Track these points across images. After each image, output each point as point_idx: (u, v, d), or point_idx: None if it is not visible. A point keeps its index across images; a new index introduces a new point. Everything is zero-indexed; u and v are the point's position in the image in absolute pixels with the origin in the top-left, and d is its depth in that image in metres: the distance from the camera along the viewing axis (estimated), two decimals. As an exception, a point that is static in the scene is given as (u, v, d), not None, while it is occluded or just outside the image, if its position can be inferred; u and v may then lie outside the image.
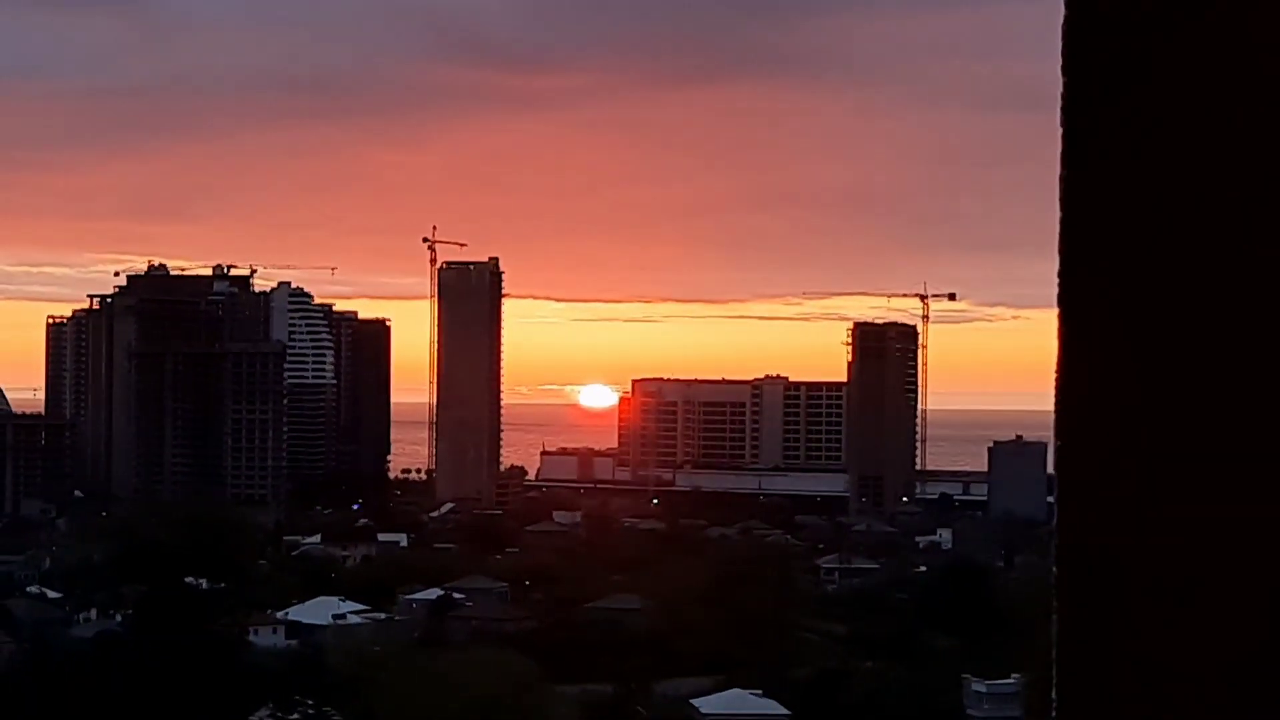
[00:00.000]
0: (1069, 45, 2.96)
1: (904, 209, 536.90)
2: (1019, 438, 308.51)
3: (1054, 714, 3.03)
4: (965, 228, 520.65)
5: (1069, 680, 2.90)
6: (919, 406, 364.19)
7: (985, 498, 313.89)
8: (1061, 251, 2.98)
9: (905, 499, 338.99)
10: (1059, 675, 3.00)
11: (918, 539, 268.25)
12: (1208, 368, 2.84)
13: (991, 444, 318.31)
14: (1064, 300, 2.96)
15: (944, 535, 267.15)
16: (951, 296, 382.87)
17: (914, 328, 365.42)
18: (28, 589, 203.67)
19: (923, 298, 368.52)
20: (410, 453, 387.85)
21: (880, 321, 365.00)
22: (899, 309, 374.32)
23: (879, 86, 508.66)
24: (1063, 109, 2.98)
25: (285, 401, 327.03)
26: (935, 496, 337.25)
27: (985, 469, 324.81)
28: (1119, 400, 2.85)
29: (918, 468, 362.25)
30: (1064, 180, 3.00)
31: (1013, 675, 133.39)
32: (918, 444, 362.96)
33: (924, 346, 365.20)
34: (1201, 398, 2.83)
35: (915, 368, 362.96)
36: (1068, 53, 2.97)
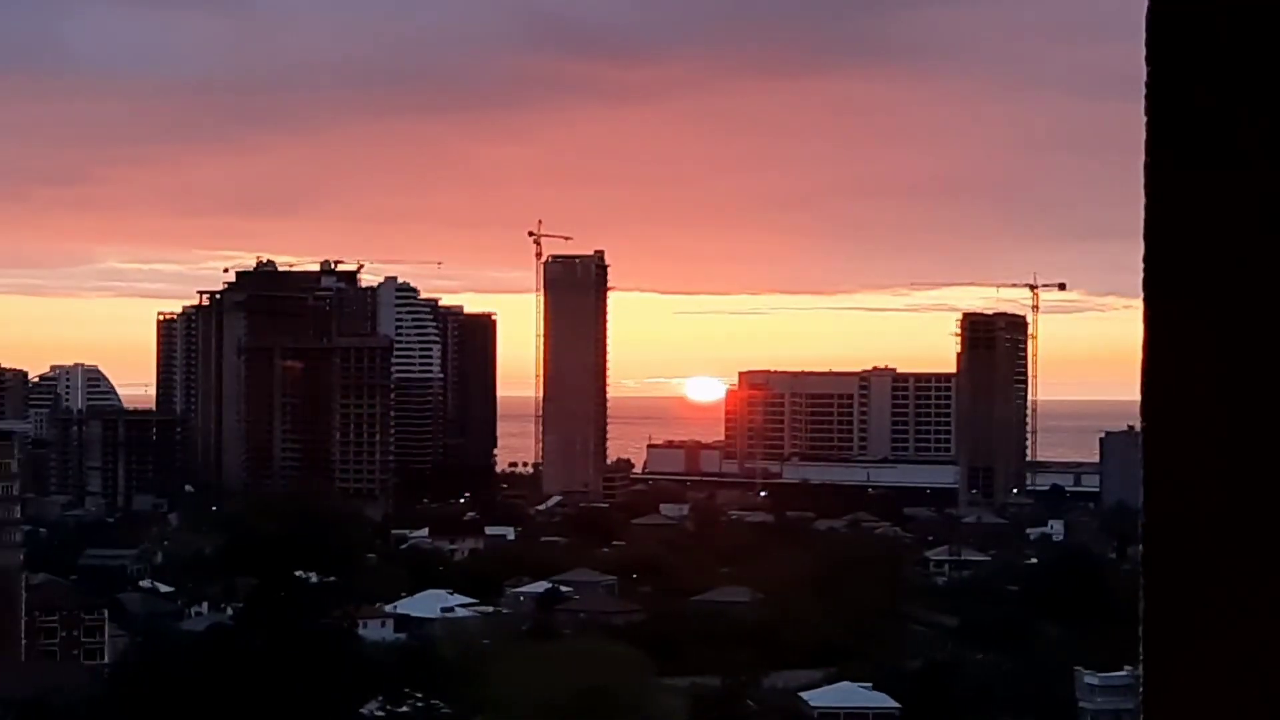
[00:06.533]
0: (1153, 34, 2.99)
1: (1013, 198, 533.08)
2: (1131, 428, 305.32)
3: (1142, 697, 3.09)
4: (1075, 216, 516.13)
5: (1157, 665, 2.94)
6: (1029, 397, 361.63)
7: (1097, 489, 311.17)
8: (1146, 239, 3.02)
9: (1016, 490, 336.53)
10: (1146, 659, 3.06)
11: (1028, 531, 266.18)
12: None
13: (1103, 434, 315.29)
14: (1149, 286, 3.00)
15: (1055, 527, 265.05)
16: (1061, 286, 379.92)
17: (1023, 318, 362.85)
18: (140, 583, 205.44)
19: (1032, 287, 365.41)
20: (517, 446, 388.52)
21: (989, 312, 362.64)
22: (1008, 299, 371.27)
23: (984, 73, 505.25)
24: (1146, 98, 3.01)
25: (393, 395, 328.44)
26: (1046, 488, 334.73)
27: (1097, 460, 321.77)
28: (1203, 385, 2.87)
29: (1028, 459, 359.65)
30: (1148, 168, 3.02)
31: (1125, 667, 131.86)
32: (1028, 435, 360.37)
33: (1034, 337, 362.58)
34: None
35: (1025, 358, 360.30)
36: (1151, 42, 3.00)
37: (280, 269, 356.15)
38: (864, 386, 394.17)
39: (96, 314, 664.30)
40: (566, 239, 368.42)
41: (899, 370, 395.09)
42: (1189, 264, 2.96)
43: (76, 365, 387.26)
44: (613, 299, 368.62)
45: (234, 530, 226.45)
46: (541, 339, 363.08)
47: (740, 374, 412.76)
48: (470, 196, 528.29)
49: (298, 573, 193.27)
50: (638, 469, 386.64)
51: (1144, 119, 3.10)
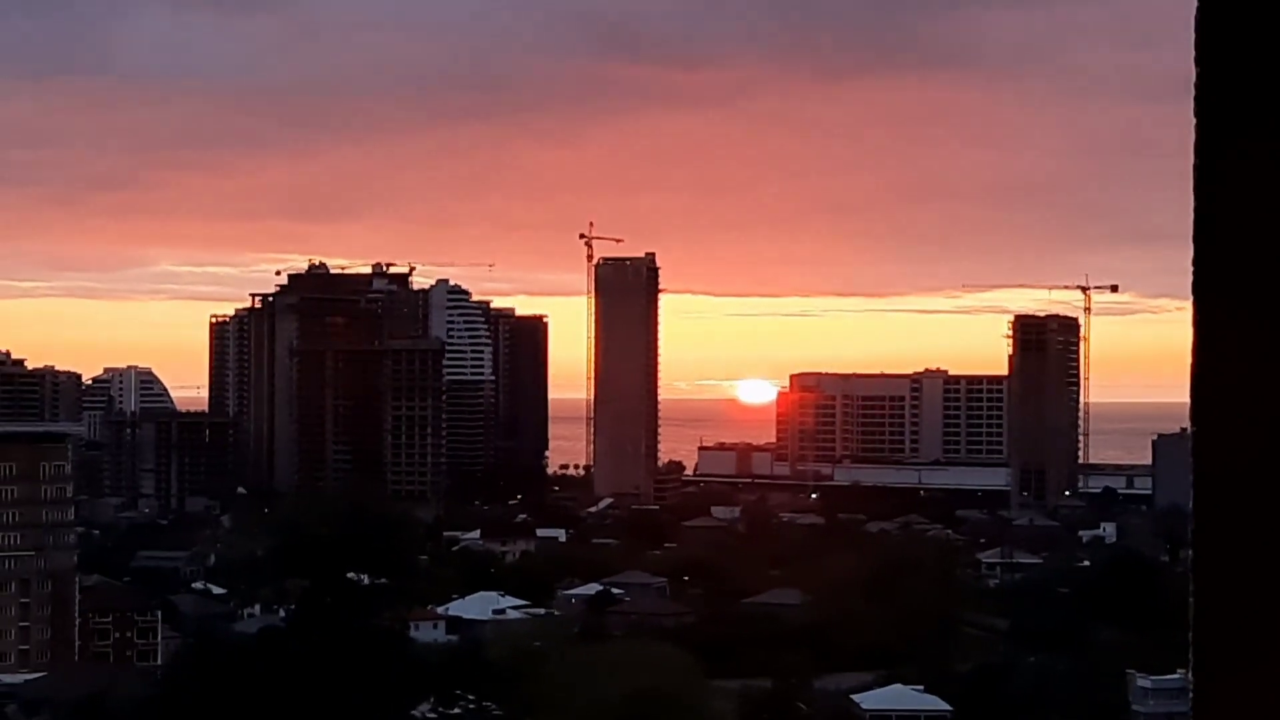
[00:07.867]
0: (1202, 36, 3.00)
1: (1065, 201, 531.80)
2: (1183, 430, 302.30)
3: (1191, 701, 3.37)
4: (1127, 219, 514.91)
5: (1207, 668, 2.96)
6: (1081, 399, 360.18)
7: (1149, 491, 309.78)
8: (1196, 241, 3.04)
9: (1068, 493, 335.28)
10: (1196, 663, 3.36)
11: (1080, 533, 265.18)
12: None
13: (1155, 437, 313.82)
14: (1198, 288, 3.02)
15: (1107, 529, 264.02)
16: (1114, 288, 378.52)
17: (1076, 320, 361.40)
18: (193, 585, 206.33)
19: (1084, 290, 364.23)
20: (568, 448, 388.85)
21: (1041, 314, 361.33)
22: (1060, 301, 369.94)
23: (1037, 78, 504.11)
24: (1196, 100, 3.02)
25: (444, 398, 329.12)
26: (1098, 490, 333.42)
27: (1149, 462, 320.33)
28: (1254, 387, 2.88)
29: (1080, 461, 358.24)
30: (1197, 170, 3.04)
31: (1178, 670, 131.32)
32: (1080, 437, 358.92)
33: (1086, 339, 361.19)
34: None
35: (1077, 360, 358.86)
36: (1200, 44, 3.01)
37: (332, 271, 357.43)
38: (915, 388, 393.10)
39: (150, 317, 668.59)
40: (618, 241, 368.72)
41: (950, 372, 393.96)
42: (1239, 266, 2.97)
43: (130, 368, 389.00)
44: (664, 301, 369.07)
45: (286, 532, 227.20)
46: (593, 341, 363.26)
47: (792, 376, 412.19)
48: (523, 199, 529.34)
49: (349, 574, 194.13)
50: (689, 471, 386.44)
51: (1193, 121, 3.12)
